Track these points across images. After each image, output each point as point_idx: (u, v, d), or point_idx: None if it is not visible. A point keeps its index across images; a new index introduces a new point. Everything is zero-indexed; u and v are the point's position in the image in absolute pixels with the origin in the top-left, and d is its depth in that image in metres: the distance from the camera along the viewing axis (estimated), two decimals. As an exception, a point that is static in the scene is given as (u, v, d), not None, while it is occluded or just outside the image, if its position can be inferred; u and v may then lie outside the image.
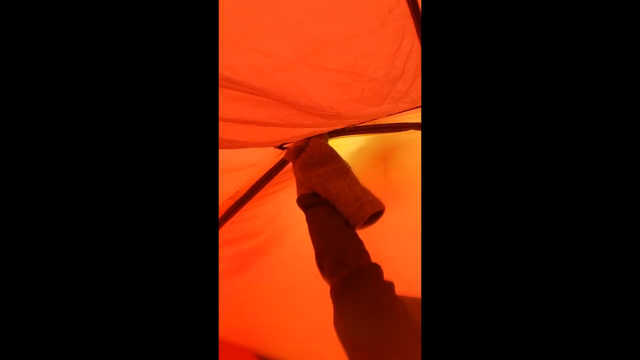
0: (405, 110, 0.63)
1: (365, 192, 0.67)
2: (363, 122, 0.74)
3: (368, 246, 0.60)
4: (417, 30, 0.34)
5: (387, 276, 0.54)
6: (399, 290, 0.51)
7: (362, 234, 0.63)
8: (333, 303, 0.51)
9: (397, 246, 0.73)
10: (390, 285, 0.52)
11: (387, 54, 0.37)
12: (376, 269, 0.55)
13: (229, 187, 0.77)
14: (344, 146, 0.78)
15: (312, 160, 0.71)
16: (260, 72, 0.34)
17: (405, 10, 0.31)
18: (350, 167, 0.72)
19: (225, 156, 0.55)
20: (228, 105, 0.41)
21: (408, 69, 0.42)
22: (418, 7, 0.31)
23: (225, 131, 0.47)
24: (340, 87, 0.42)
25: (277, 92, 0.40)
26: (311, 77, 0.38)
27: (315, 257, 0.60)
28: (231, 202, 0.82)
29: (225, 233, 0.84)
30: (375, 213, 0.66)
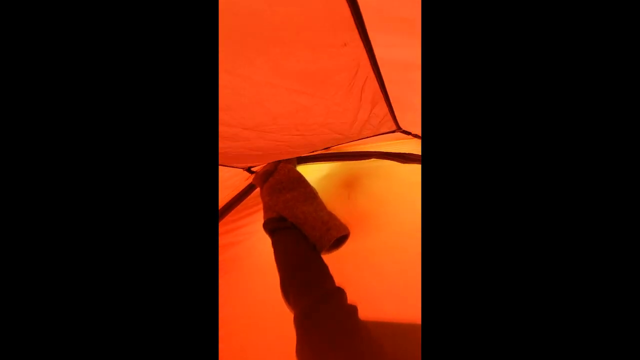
0: (368, 137, 0.68)
1: (331, 216, 0.70)
2: (329, 148, 0.79)
3: (333, 270, 0.60)
4: (371, 64, 0.40)
5: (351, 299, 0.54)
6: (364, 314, 0.52)
7: (327, 258, 0.64)
8: (297, 331, 0.50)
9: (361, 270, 0.74)
10: (354, 309, 0.52)
11: (344, 81, 0.41)
12: (340, 293, 0.55)
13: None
14: (312, 172, 0.81)
15: (280, 185, 0.72)
16: (226, 89, 0.36)
17: (359, 45, 0.36)
18: (317, 193, 0.74)
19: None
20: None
21: (365, 98, 0.47)
22: (370, 44, 0.37)
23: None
24: (304, 110, 0.45)
25: (244, 112, 0.42)
26: (276, 97, 0.41)
27: (280, 282, 0.59)
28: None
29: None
30: (341, 237, 0.67)
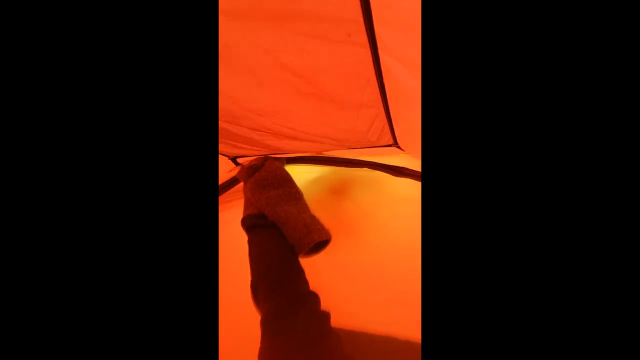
0: (363, 147, 0.66)
1: (314, 220, 0.66)
2: (322, 152, 0.76)
3: (310, 275, 0.57)
4: (373, 62, 0.37)
5: (326, 306, 0.52)
6: (338, 322, 0.49)
7: (305, 262, 0.60)
8: (262, 332, 0.47)
9: (339, 278, 0.71)
10: (325, 315, 0.49)
11: (344, 75, 0.39)
12: (313, 298, 0.52)
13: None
14: (300, 173, 0.78)
15: (265, 182, 0.69)
16: (225, 47, 0.34)
17: (363, 38, 0.34)
18: (302, 194, 0.71)
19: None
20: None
21: (366, 103, 0.45)
22: (375, 39, 0.34)
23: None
24: (299, 95, 0.42)
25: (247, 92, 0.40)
26: (273, 76, 0.39)
27: (251, 280, 0.56)
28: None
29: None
30: (321, 242, 0.64)
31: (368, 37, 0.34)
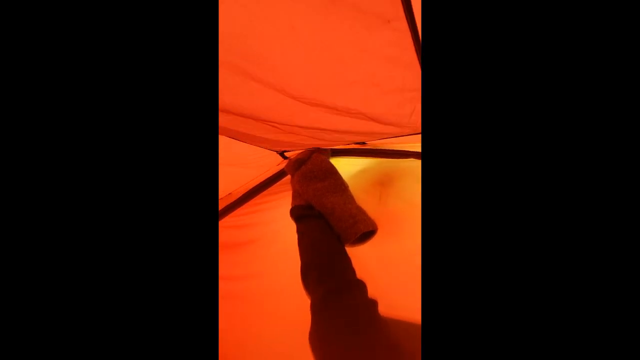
0: (408, 135, 0.65)
1: (360, 210, 0.68)
2: (365, 144, 0.77)
3: (356, 266, 0.58)
4: (414, 46, 0.37)
5: (372, 296, 0.52)
6: (385, 311, 0.49)
7: (351, 254, 0.62)
8: (312, 316, 0.50)
9: (384, 271, 0.71)
10: (373, 303, 0.50)
11: (385, 59, 0.40)
12: (361, 285, 0.53)
13: (223, 183, 0.77)
14: (345, 166, 0.79)
15: (312, 174, 0.72)
16: (278, 44, 0.36)
17: (403, 24, 0.34)
18: (348, 186, 0.72)
19: (225, 150, 0.57)
20: (249, 99, 0.44)
21: (409, 86, 0.45)
22: (417, 29, 0.34)
23: (235, 123, 0.50)
24: (345, 83, 0.44)
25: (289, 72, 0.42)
26: (321, 62, 0.40)
27: (301, 268, 0.59)
28: (222, 204, 0.82)
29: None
30: (367, 232, 0.65)
31: (408, 22, 0.34)
